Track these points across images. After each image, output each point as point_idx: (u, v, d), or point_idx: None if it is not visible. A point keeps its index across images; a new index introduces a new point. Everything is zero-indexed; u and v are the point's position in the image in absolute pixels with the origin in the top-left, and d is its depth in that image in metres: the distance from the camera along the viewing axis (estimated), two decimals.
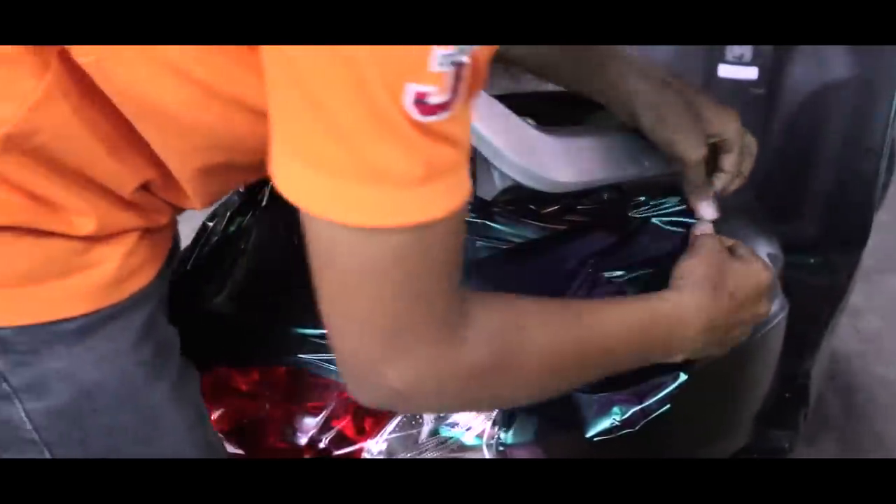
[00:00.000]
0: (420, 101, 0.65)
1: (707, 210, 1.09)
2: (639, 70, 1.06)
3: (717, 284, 0.94)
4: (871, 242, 1.58)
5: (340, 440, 1.04)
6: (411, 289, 0.72)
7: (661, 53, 1.45)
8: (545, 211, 1.07)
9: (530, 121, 1.02)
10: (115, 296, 0.86)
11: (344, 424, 1.04)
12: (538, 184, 1.02)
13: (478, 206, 1.03)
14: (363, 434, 1.03)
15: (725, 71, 1.53)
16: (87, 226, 0.83)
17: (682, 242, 1.05)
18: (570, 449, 1.02)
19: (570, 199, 1.07)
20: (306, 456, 1.05)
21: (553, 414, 1.00)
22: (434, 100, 0.65)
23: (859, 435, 1.99)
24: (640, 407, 0.99)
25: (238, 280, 1.13)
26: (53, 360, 0.84)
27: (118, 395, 0.87)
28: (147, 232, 0.88)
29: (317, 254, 0.72)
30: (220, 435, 1.02)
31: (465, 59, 0.66)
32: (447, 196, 0.70)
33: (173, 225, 0.98)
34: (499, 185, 1.04)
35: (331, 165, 0.67)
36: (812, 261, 1.56)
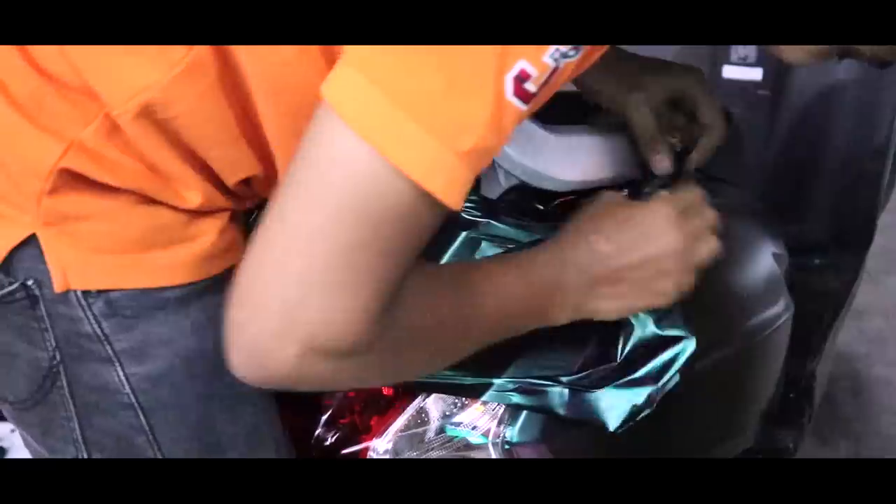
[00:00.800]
0: (519, 79, 0.67)
1: (662, 163, 1.06)
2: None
3: (583, 234, 0.90)
4: (875, 244, 1.58)
5: (346, 438, 1.05)
6: (389, 249, 0.70)
7: (664, 54, 1.45)
8: (550, 210, 1.07)
9: (535, 120, 1.02)
10: (211, 269, 0.88)
11: (350, 423, 1.05)
12: (543, 183, 1.02)
13: (483, 205, 1.03)
14: (369, 432, 1.04)
15: (730, 72, 1.54)
16: (194, 200, 0.85)
17: None
18: (576, 446, 1.02)
19: (575, 198, 1.07)
20: (312, 454, 1.06)
21: (559, 413, 1.00)
22: (529, 86, 0.68)
23: (863, 435, 2.00)
24: (655, 387, 0.98)
25: None
26: (155, 325, 0.86)
27: (214, 362, 0.86)
28: (236, 213, 0.91)
29: (315, 165, 0.69)
30: None
31: (562, 64, 0.69)
32: (461, 185, 0.69)
33: None
34: (504, 184, 1.04)
35: (398, 91, 0.66)
36: (817, 262, 1.56)
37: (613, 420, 0.97)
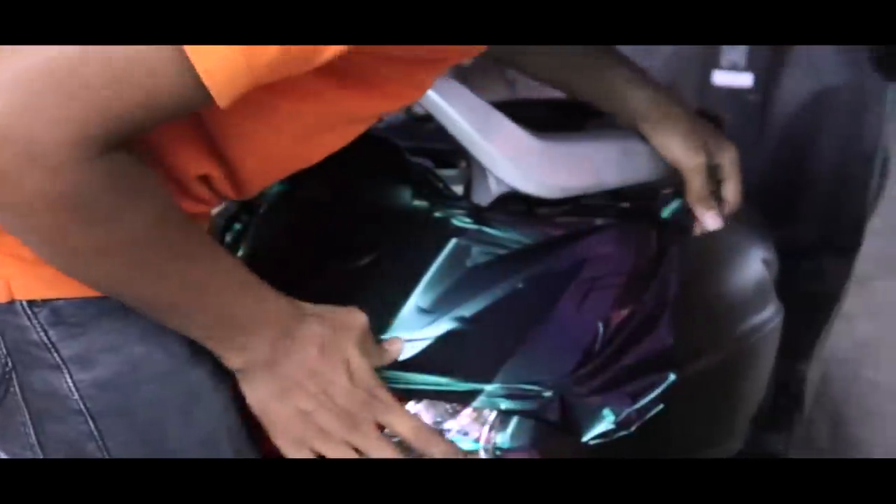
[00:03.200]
0: None
1: (711, 221, 1.09)
2: (637, 77, 1.08)
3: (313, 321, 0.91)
4: (864, 248, 1.59)
5: None
6: (119, 85, 0.69)
7: (655, 60, 1.46)
8: (541, 216, 1.07)
9: (526, 127, 1.02)
10: None
11: None
12: (535, 189, 1.03)
13: (473, 212, 1.03)
14: None
15: (720, 77, 1.54)
16: None
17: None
18: (566, 454, 1.02)
19: (566, 205, 1.07)
20: None
21: (549, 418, 1.00)
22: None
23: (852, 438, 2.00)
24: (634, 408, 0.99)
25: None
26: (101, 333, 0.86)
27: (163, 368, 0.89)
28: (193, 217, 0.89)
29: None
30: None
31: None
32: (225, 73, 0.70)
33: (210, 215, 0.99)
34: (494, 191, 1.04)
35: None
36: (806, 266, 1.57)
37: (588, 431, 0.98)
